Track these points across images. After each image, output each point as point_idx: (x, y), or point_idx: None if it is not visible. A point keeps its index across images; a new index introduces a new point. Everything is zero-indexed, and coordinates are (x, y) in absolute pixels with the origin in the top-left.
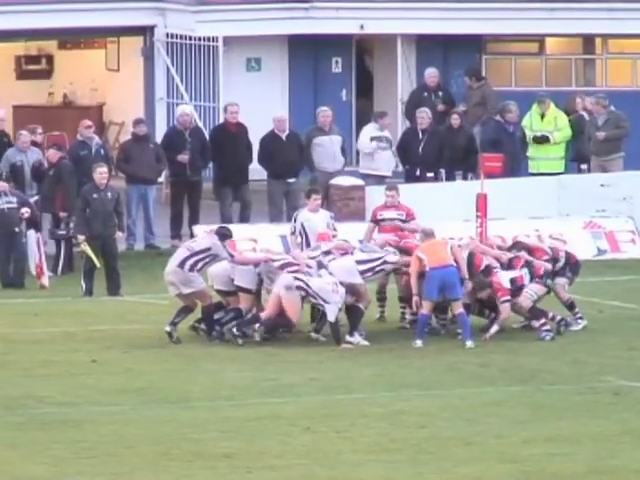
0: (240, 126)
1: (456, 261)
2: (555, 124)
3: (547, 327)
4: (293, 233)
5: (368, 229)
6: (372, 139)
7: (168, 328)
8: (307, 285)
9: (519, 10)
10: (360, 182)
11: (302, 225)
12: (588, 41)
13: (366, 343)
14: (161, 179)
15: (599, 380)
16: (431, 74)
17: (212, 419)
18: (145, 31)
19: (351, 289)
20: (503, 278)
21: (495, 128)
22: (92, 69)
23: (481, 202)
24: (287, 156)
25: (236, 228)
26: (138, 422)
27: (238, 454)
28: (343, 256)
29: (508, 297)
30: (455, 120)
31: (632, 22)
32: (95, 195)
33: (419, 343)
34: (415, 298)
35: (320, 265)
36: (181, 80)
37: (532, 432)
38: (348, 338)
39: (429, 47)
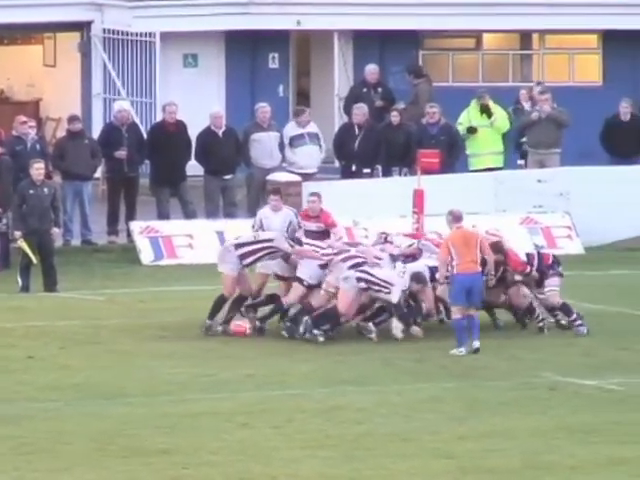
0: (179, 124)
1: (484, 257)
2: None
3: (580, 321)
4: (253, 226)
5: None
6: (291, 139)
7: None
8: (370, 274)
9: (456, 6)
10: (297, 178)
11: (261, 221)
12: (525, 37)
13: (400, 335)
14: (98, 175)
15: (535, 376)
16: (371, 70)
17: (149, 415)
18: (82, 27)
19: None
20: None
21: (417, 130)
22: (29, 65)
23: (418, 198)
24: (223, 152)
25: (172, 224)
26: (75, 418)
27: (175, 450)
28: (413, 261)
29: (529, 268)
30: (395, 117)
31: (569, 17)
32: (31, 191)
33: (463, 351)
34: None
35: (394, 258)
36: (118, 76)
37: (468, 428)
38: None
39: (366, 43)
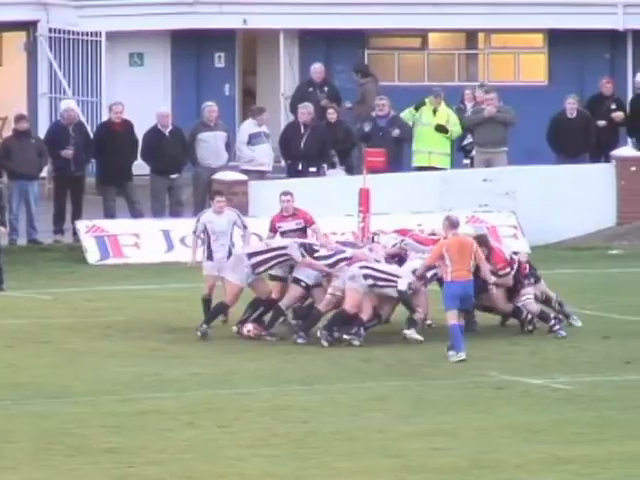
0: (125, 124)
1: (478, 265)
2: (447, 120)
3: (558, 326)
4: (195, 232)
5: (268, 238)
6: (250, 137)
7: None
8: (375, 270)
9: (402, 5)
10: (243, 177)
11: (205, 226)
12: (471, 36)
13: (420, 338)
14: (44, 174)
15: (482, 374)
16: (317, 69)
17: (94, 414)
18: (28, 26)
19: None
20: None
21: (368, 126)
22: None
23: (363, 197)
24: (170, 151)
25: (118, 223)
26: (21, 417)
27: (120, 449)
28: (400, 261)
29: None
30: (331, 115)
31: (514, 17)
32: None
33: (463, 355)
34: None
35: (389, 262)
36: (64, 75)
37: (414, 427)
38: (405, 331)
39: (312, 42)
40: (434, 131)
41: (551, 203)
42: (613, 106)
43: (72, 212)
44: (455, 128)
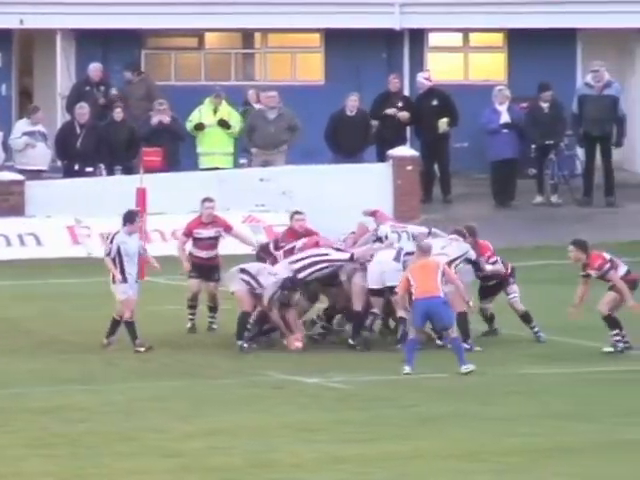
0: None
1: (452, 283)
2: (229, 118)
3: (537, 328)
4: (108, 254)
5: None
6: (24, 134)
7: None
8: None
9: (178, 5)
10: (20, 177)
11: (119, 247)
12: (247, 36)
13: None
14: None
15: (260, 374)
16: (95, 68)
17: None
18: None
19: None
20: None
21: (143, 125)
22: None
23: (140, 196)
24: None
25: None
26: None
27: None
28: None
29: (496, 257)
30: (118, 114)
31: (290, 17)
32: None
33: (407, 369)
34: (401, 313)
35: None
36: None
37: (193, 426)
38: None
39: (89, 42)
40: (216, 130)
41: (328, 202)
42: (400, 103)
43: None
44: (237, 126)
